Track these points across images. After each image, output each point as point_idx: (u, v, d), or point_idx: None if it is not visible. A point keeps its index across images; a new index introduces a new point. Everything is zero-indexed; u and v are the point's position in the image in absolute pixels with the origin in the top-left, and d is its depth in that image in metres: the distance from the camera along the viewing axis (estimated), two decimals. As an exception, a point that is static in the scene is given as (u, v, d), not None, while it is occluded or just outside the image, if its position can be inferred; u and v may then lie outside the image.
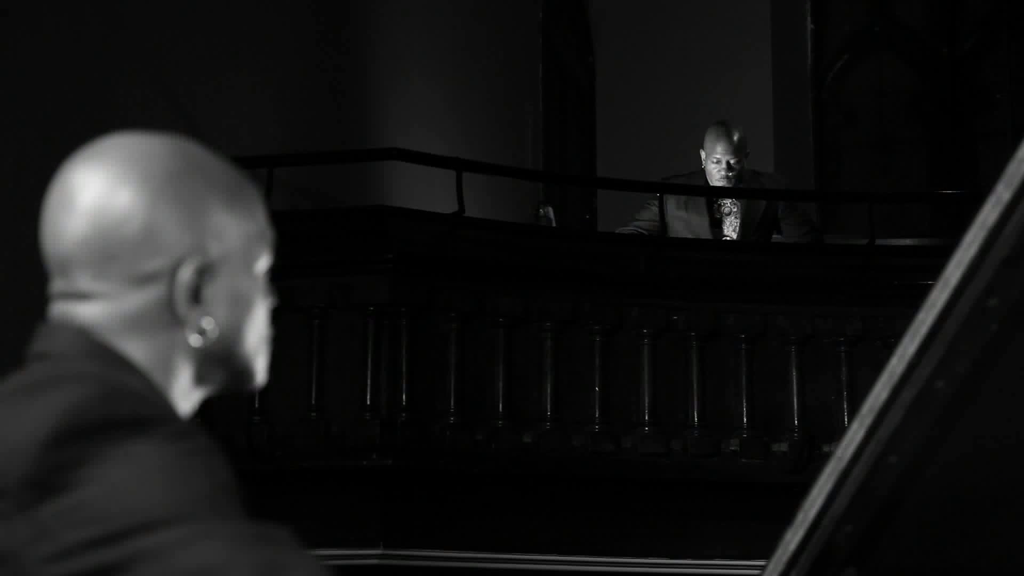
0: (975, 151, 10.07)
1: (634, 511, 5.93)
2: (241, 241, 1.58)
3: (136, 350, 1.53)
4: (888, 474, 1.65)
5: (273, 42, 6.87)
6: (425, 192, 6.91)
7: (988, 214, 1.54)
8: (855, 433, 1.64)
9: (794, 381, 6.11)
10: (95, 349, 1.51)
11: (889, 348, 1.80)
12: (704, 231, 6.88)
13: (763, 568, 1.72)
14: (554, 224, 8.09)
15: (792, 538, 1.68)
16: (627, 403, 6.01)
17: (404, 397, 5.72)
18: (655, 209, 6.84)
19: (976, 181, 9.70)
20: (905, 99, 10.25)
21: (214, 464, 1.41)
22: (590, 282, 6.11)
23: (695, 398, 6.05)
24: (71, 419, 1.39)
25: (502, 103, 9.15)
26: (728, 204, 6.94)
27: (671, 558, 5.89)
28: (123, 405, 1.41)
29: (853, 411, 2.46)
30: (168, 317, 1.53)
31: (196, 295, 1.53)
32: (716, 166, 6.85)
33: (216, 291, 1.55)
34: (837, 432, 5.56)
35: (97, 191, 1.54)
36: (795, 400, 6.09)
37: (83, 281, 1.54)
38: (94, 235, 1.53)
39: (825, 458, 1.67)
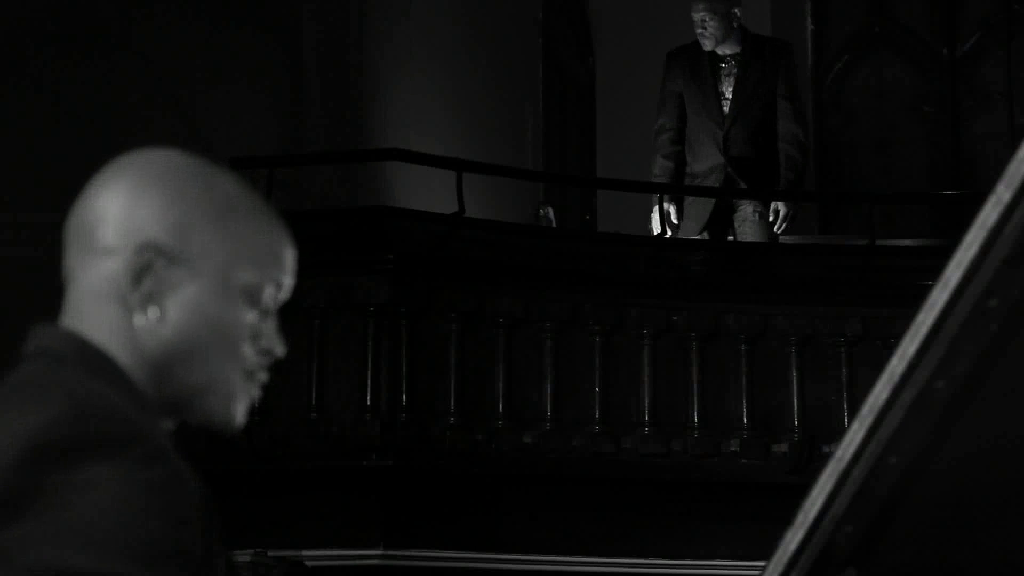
0: (975, 151, 10.06)
1: (634, 511, 5.93)
2: (221, 258, 1.55)
3: (90, 328, 1.52)
4: (888, 474, 1.65)
5: (273, 42, 6.87)
6: (425, 193, 6.91)
7: (988, 214, 1.54)
8: (855, 433, 1.64)
9: (794, 381, 6.11)
10: (80, 351, 1.51)
11: (889, 348, 1.80)
12: (712, 106, 7.06)
13: (763, 568, 1.72)
14: (554, 224, 8.09)
15: (792, 538, 1.68)
16: (627, 403, 6.01)
17: (404, 397, 5.72)
18: (669, 116, 7.13)
19: (976, 181, 9.69)
20: (905, 99, 10.24)
21: (176, 498, 1.40)
22: (590, 282, 6.11)
23: (695, 398, 6.05)
24: (38, 441, 1.38)
25: (502, 103, 9.14)
26: (726, 67, 7.12)
27: (671, 558, 5.89)
28: (92, 425, 1.40)
29: (853, 411, 2.46)
30: (118, 295, 1.53)
31: (140, 277, 1.52)
32: (695, 24, 7.13)
33: (176, 291, 1.53)
34: (837, 432, 5.56)
35: (100, 181, 1.57)
36: (795, 400, 6.09)
37: (69, 258, 1.56)
38: (81, 212, 1.56)
39: (825, 458, 1.67)
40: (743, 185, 6.99)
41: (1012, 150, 1.53)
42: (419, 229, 6.06)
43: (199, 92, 6.20)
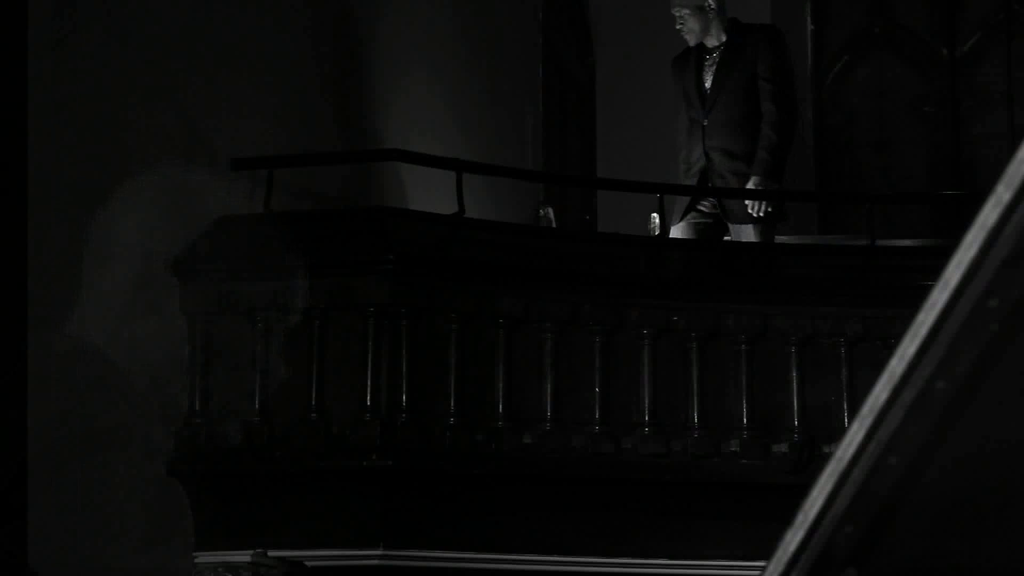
0: (975, 151, 10.07)
1: (634, 511, 5.93)
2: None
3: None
4: (888, 475, 1.65)
5: (273, 42, 6.87)
6: (425, 193, 6.91)
7: (988, 214, 1.54)
8: (855, 434, 1.64)
9: (794, 382, 6.11)
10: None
11: (889, 348, 1.80)
12: (694, 98, 7.22)
13: (763, 569, 1.72)
14: (554, 224, 8.09)
15: (792, 539, 1.68)
16: (627, 403, 6.01)
17: (404, 398, 5.72)
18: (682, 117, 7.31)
19: (976, 181, 9.70)
20: (905, 99, 10.25)
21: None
22: (590, 282, 6.11)
23: (695, 399, 6.05)
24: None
25: (502, 103, 9.15)
26: (709, 59, 7.25)
27: (671, 558, 5.89)
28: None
29: (853, 412, 2.47)
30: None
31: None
32: (676, 22, 7.27)
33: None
34: (837, 433, 5.56)
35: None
36: (795, 401, 6.09)
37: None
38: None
39: (825, 459, 1.67)
40: (717, 172, 7.08)
41: (1012, 150, 1.53)
42: (419, 229, 6.06)
43: (199, 92, 6.20)
